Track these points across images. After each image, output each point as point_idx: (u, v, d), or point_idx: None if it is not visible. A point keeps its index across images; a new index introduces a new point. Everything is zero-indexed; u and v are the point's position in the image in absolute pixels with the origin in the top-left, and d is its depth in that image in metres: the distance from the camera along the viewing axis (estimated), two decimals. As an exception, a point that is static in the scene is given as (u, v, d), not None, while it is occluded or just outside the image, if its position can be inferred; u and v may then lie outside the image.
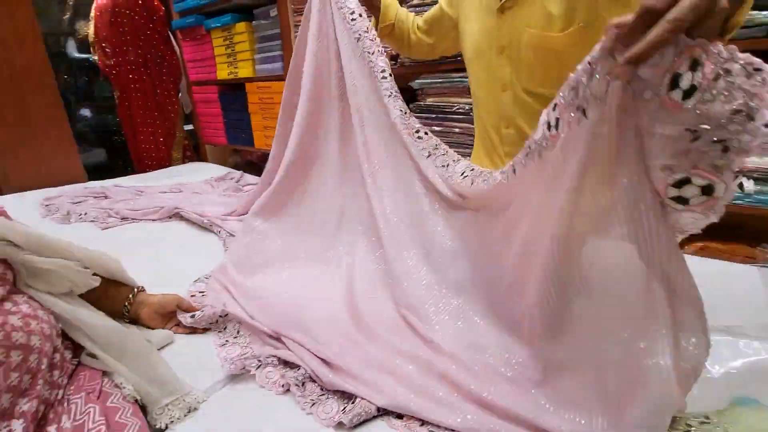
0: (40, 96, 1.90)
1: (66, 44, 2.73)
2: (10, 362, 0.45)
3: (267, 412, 0.54)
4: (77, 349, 0.59)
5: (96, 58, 2.29)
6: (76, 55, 2.67)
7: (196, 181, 1.85)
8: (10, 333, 0.46)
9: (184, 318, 0.69)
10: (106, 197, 1.60)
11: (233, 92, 2.16)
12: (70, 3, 2.67)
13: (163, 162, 2.51)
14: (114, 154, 2.93)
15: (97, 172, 2.25)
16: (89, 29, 2.28)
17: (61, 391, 0.52)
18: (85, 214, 1.37)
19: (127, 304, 0.67)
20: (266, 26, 1.84)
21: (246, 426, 0.53)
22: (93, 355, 0.56)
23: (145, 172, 2.39)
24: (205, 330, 0.71)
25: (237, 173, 1.93)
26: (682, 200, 0.39)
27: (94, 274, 0.62)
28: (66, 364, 0.55)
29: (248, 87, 2.02)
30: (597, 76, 0.39)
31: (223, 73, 2.13)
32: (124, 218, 1.35)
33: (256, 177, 1.90)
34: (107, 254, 0.66)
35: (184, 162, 2.59)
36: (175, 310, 0.70)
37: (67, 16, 2.68)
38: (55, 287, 0.56)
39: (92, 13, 2.24)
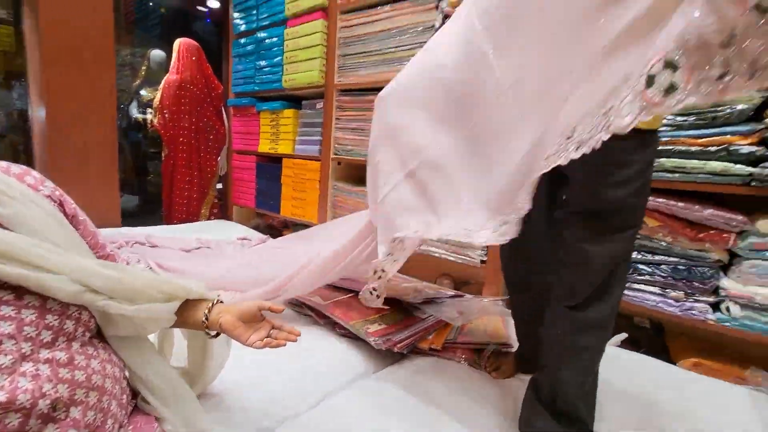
0: (101, 146, 2.10)
1: (129, 105, 3.10)
2: (88, 402, 0.50)
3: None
4: (135, 391, 0.64)
5: (155, 119, 2.60)
6: (136, 114, 3.02)
7: (225, 241, 1.98)
8: (90, 375, 0.51)
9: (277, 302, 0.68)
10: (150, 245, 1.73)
11: (270, 164, 2.40)
12: (142, 73, 3.10)
13: (192, 216, 2.69)
14: (147, 202, 3.15)
15: (129, 217, 2.42)
16: (156, 97, 2.62)
17: (122, 430, 0.57)
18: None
19: (206, 311, 0.63)
20: (311, 115, 2.12)
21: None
22: (146, 401, 0.62)
23: (173, 223, 2.56)
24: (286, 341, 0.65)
25: (262, 236, 2.07)
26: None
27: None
28: (128, 406, 0.61)
29: (285, 162, 2.26)
30: None
31: (264, 146, 2.40)
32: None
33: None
34: (188, 279, 0.67)
35: (210, 218, 2.78)
36: (259, 314, 0.65)
37: (136, 83, 3.09)
38: (129, 330, 0.60)
39: (162, 84, 2.59)
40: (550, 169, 0.59)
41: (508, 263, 0.99)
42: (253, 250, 1.77)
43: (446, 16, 1.51)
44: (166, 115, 2.57)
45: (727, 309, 1.13)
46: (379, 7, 1.75)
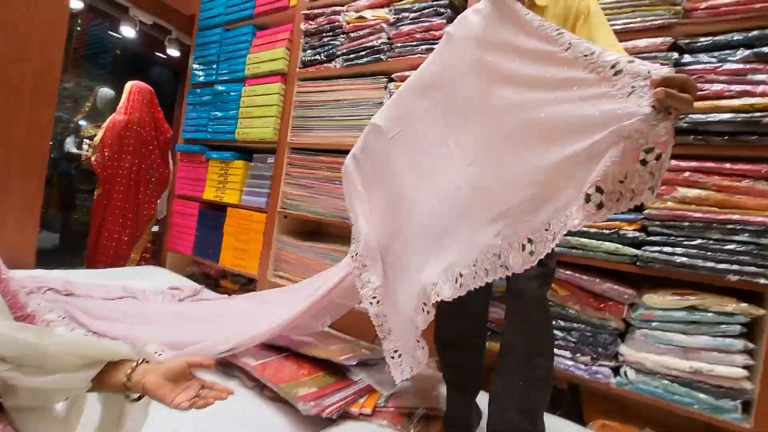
0: (26, 177, 1.93)
1: (66, 137, 2.95)
2: None
3: None
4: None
5: (94, 157, 2.49)
6: (72, 149, 2.87)
7: (152, 291, 1.86)
8: None
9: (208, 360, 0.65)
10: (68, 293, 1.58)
11: (214, 211, 2.36)
12: (86, 108, 3.00)
13: (120, 260, 2.51)
14: (68, 241, 2.90)
15: (45, 256, 2.21)
16: (97, 135, 2.53)
17: None
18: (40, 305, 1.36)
19: (129, 372, 0.59)
20: (261, 168, 2.17)
21: None
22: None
23: (97, 267, 2.37)
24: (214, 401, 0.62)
25: (195, 286, 1.98)
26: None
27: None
28: None
29: (230, 211, 2.25)
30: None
31: (209, 194, 2.37)
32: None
33: (216, 294, 1.98)
34: (111, 340, 0.63)
35: (140, 263, 2.61)
36: (187, 372, 0.61)
37: (77, 117, 2.97)
38: (32, 401, 0.53)
39: (106, 123, 2.53)
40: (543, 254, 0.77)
41: (447, 321, 1.06)
42: (185, 305, 1.69)
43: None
44: (106, 154, 2.48)
45: (625, 374, 1.27)
46: (334, 80, 1.91)
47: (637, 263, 1.23)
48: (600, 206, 0.68)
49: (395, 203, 1.10)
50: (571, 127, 0.76)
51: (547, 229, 0.76)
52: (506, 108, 0.89)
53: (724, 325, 1.13)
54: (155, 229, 2.81)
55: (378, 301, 1.09)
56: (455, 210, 0.94)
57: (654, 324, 1.21)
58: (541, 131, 0.81)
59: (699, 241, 1.16)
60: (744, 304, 1.11)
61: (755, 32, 1.12)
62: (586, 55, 0.77)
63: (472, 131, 0.96)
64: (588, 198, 0.69)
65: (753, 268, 1.10)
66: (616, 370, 1.29)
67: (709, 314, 1.15)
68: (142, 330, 1.34)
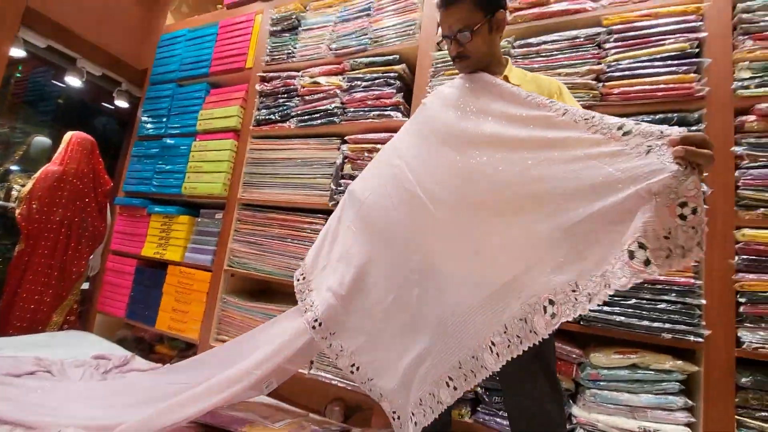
0: None
1: (-13, 189, 2.68)
2: None
3: None
4: None
5: (19, 209, 2.27)
6: (-5, 200, 2.61)
7: (73, 362, 1.64)
8: None
9: None
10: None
11: (152, 269, 2.19)
12: (16, 156, 2.78)
13: (37, 324, 2.22)
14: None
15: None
16: (26, 185, 2.33)
17: None
18: None
19: None
20: (208, 224, 2.08)
21: None
22: None
23: (8, 333, 2.07)
24: None
25: (125, 354, 1.78)
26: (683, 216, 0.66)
27: None
28: None
29: (171, 269, 2.10)
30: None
31: (149, 250, 2.21)
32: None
33: (148, 362, 1.77)
34: None
35: (63, 326, 2.32)
36: None
37: (5, 166, 2.74)
38: None
39: (38, 174, 2.34)
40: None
41: None
42: (110, 380, 1.50)
43: (346, 157, 1.72)
44: (34, 207, 2.27)
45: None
46: (288, 139, 1.93)
47: (581, 322, 1.27)
48: (647, 263, 0.66)
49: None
50: (589, 186, 0.75)
51: (574, 290, 0.73)
52: (499, 171, 0.87)
53: (665, 383, 1.17)
54: (85, 286, 2.54)
55: (358, 368, 1.02)
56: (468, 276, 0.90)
57: (601, 383, 1.23)
58: (547, 192, 0.80)
59: (634, 300, 1.23)
60: (680, 362, 1.17)
61: (660, 115, 1.28)
62: (586, 119, 0.80)
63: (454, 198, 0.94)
64: (632, 255, 0.67)
65: (683, 326, 1.17)
66: (570, 433, 1.28)
67: (650, 372, 1.19)
68: (55, 413, 1.16)
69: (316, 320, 1.11)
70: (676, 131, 0.69)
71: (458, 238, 0.91)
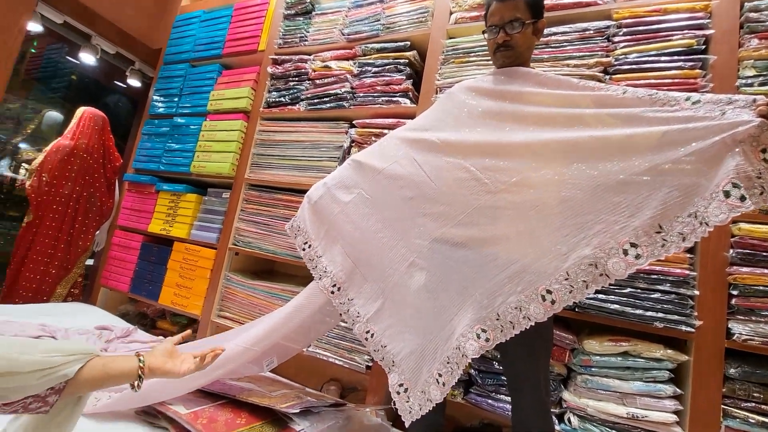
0: None
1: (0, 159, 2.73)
2: None
3: None
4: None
5: (29, 181, 2.31)
6: (6, 173, 2.65)
7: (77, 330, 1.69)
8: None
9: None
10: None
11: (158, 246, 2.23)
12: (28, 130, 2.83)
13: (42, 295, 2.27)
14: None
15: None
16: (37, 158, 2.37)
17: None
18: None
19: (140, 362, 0.75)
20: (215, 203, 2.11)
21: None
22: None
23: (14, 302, 2.12)
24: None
25: (127, 326, 1.82)
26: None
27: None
28: None
29: (176, 245, 2.13)
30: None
31: (156, 227, 2.25)
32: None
33: (150, 335, 1.81)
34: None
35: (66, 299, 2.37)
36: (176, 350, 0.82)
37: (17, 139, 2.78)
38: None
39: (49, 147, 2.38)
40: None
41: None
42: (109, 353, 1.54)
43: (353, 141, 1.75)
44: (44, 179, 2.31)
45: (569, 420, 1.29)
46: (297, 122, 1.96)
47: (576, 309, 1.30)
48: (742, 198, 0.73)
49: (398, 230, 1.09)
50: (669, 141, 0.80)
51: (658, 231, 0.78)
52: (582, 137, 0.89)
53: (655, 371, 1.20)
54: (90, 262, 2.58)
55: (372, 335, 1.05)
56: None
57: (593, 369, 1.26)
58: (631, 145, 0.83)
59: (629, 289, 1.25)
60: (670, 351, 1.19)
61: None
62: (650, 95, 0.86)
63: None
64: (727, 194, 0.74)
65: (676, 316, 1.20)
66: (559, 417, 1.31)
67: (641, 360, 1.22)
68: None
69: (334, 285, 1.12)
70: (749, 98, 0.77)
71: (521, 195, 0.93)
